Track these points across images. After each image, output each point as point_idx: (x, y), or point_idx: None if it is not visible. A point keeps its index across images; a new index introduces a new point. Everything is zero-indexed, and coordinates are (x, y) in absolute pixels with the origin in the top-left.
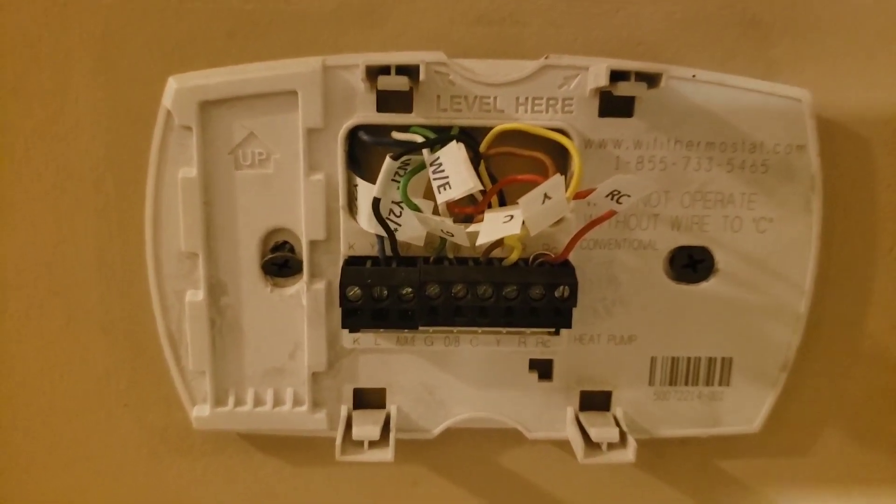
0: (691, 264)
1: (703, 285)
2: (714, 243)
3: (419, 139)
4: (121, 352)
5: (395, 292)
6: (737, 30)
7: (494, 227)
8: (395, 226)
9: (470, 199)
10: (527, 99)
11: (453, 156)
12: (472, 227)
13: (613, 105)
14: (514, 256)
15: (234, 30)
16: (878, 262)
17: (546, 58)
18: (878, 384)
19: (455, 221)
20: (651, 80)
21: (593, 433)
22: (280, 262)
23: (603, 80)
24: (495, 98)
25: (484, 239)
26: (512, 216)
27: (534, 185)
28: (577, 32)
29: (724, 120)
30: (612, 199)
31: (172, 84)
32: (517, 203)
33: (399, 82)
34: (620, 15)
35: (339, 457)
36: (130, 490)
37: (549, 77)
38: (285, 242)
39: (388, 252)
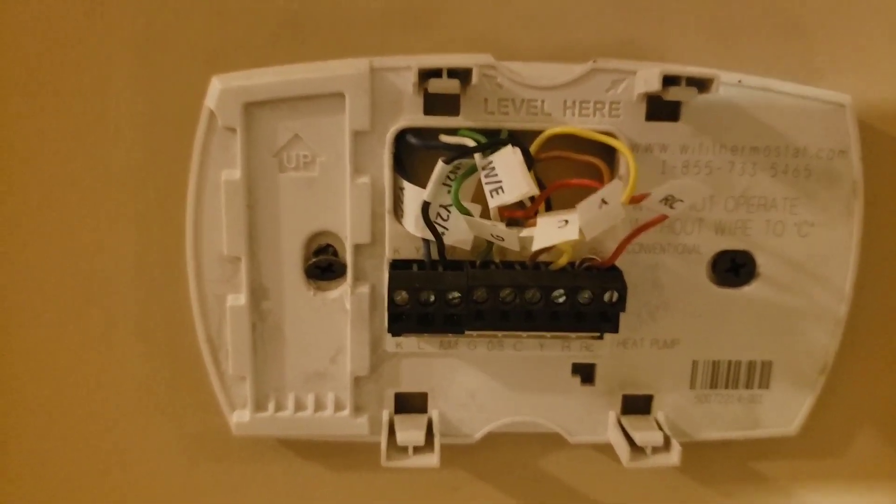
0: (734, 268)
1: (745, 289)
2: (756, 247)
3: (469, 142)
4: (159, 358)
5: (442, 297)
6: (780, 36)
7: (550, 232)
8: (443, 229)
9: (518, 203)
10: (574, 102)
11: (508, 160)
12: (526, 232)
13: (660, 109)
14: (564, 261)
15: (278, 30)
16: None
17: (594, 62)
18: None
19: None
20: (702, 84)
21: (637, 437)
22: (323, 265)
23: (655, 85)
24: (543, 101)
25: (540, 244)
26: (567, 221)
27: (585, 189)
28: (624, 37)
29: (768, 125)
30: (665, 203)
31: (216, 84)
32: (568, 208)
33: (450, 85)
34: (667, 21)
35: (385, 463)
36: (167, 497)
37: (596, 81)
38: (328, 246)
39: (435, 256)
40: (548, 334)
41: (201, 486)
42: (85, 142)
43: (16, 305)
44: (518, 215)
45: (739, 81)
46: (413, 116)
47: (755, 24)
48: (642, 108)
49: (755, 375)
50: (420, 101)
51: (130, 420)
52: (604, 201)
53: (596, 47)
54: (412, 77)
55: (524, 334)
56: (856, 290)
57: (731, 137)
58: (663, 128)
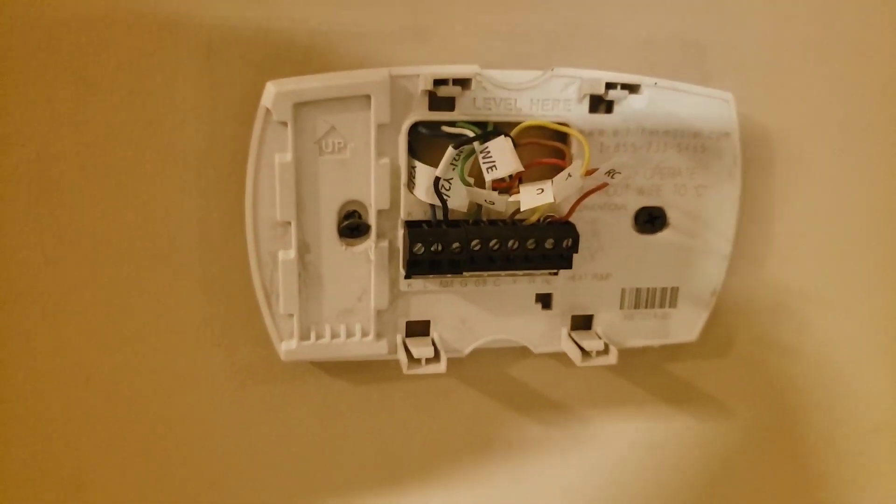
0: (650, 220)
1: (659, 235)
2: (667, 204)
3: (468, 132)
4: (216, 303)
5: (447, 247)
6: (683, 49)
7: (531, 197)
8: (447, 197)
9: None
10: (538, 100)
11: (501, 145)
12: (513, 198)
13: (599, 105)
14: (534, 218)
15: (311, 45)
16: (776, 215)
17: (552, 70)
18: (775, 302)
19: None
20: (632, 88)
21: (585, 345)
22: (353, 226)
23: (599, 89)
24: (516, 99)
25: (526, 206)
26: (542, 189)
27: (551, 166)
28: (574, 49)
29: (675, 114)
30: (608, 175)
31: (271, 88)
32: (536, 180)
33: (454, 91)
34: (604, 36)
35: (407, 371)
36: (223, 414)
37: (554, 84)
38: (355, 211)
39: (440, 217)
40: (520, 272)
41: (249, 403)
42: (155, 134)
43: (100, 259)
44: (503, 186)
45: (655, 83)
46: (421, 112)
47: (666, 41)
48: (586, 104)
49: (666, 298)
50: (426, 101)
51: (191, 354)
52: (569, 175)
53: (553, 57)
54: (424, 84)
55: (504, 273)
56: (737, 233)
57: (650, 124)
58: (601, 118)
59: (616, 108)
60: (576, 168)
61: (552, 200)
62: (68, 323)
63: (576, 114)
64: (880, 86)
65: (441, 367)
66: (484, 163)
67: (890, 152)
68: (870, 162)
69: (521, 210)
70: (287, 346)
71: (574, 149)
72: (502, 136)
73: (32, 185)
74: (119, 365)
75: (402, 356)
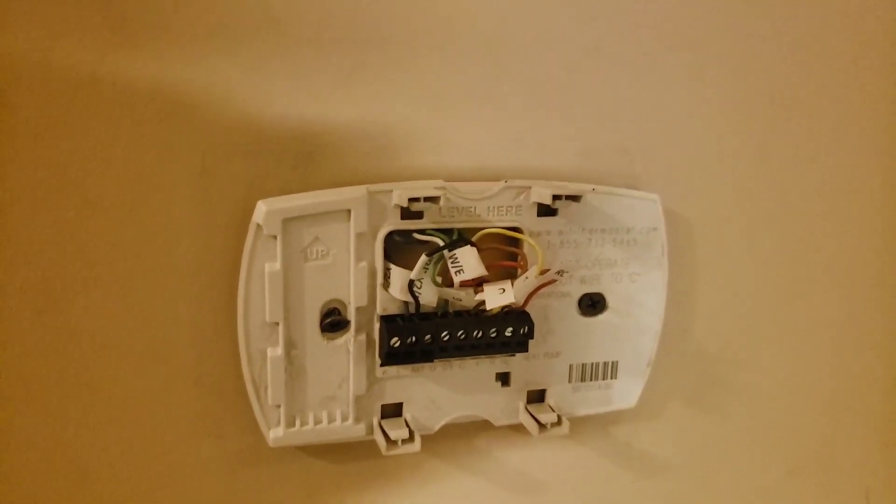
0: (592, 304)
1: (600, 317)
2: (606, 290)
3: (438, 241)
4: (209, 397)
5: (420, 339)
6: (614, 156)
7: (495, 296)
8: (419, 294)
9: None
10: (495, 207)
11: (467, 253)
12: (478, 296)
13: (546, 209)
14: (496, 310)
15: (296, 165)
16: (699, 294)
17: (506, 181)
18: (702, 368)
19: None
20: (575, 198)
21: (542, 418)
22: (334, 322)
23: (547, 199)
24: (475, 207)
25: (491, 305)
26: (504, 289)
27: (511, 268)
28: (522, 162)
29: (610, 214)
30: (558, 274)
31: (262, 207)
32: (500, 280)
33: (424, 205)
34: (548, 149)
35: (385, 452)
36: (215, 498)
37: (508, 193)
38: (336, 309)
39: (412, 311)
40: (483, 356)
41: (238, 487)
42: (152, 247)
43: (100, 361)
44: (468, 284)
45: (593, 189)
46: (394, 221)
47: (602, 150)
48: (535, 209)
49: (608, 371)
50: (398, 212)
51: (184, 444)
52: (526, 277)
53: (506, 170)
54: (399, 200)
55: (468, 357)
56: (666, 312)
57: (589, 223)
58: (548, 221)
59: (560, 211)
60: (532, 272)
61: (513, 300)
62: (69, 421)
63: (526, 217)
64: (783, 178)
65: (416, 447)
66: (452, 267)
67: (796, 234)
68: (780, 242)
69: (488, 308)
70: (275, 434)
71: (525, 248)
72: (468, 245)
73: (38, 297)
74: (116, 459)
75: (379, 439)
